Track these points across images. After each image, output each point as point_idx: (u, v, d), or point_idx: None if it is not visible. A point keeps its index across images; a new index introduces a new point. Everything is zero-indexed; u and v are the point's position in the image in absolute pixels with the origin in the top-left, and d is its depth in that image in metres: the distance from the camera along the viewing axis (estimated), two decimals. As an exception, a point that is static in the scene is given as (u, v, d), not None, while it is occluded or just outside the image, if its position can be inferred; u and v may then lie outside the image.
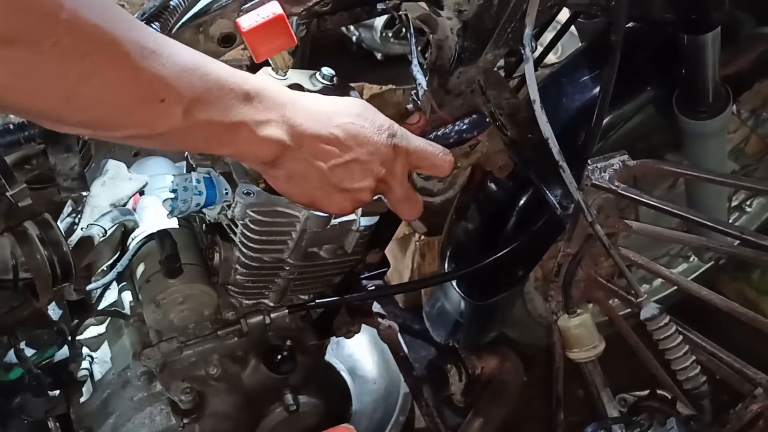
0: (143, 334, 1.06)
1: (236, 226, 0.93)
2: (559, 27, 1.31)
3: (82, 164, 0.84)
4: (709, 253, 1.51)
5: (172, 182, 0.88)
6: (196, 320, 1.04)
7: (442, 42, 0.91)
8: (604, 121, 0.92)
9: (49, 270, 0.79)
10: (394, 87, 1.84)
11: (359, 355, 1.58)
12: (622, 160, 0.92)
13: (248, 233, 0.92)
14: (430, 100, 0.94)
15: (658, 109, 1.12)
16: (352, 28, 2.44)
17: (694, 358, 0.91)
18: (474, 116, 0.85)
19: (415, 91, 0.96)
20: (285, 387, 1.11)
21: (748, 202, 1.66)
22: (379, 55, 2.46)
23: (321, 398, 1.16)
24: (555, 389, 1.17)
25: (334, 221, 0.93)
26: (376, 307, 1.31)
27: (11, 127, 0.79)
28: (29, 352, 0.98)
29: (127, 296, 1.10)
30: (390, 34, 2.37)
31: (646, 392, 1.04)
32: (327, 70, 0.93)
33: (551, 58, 1.45)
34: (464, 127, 0.82)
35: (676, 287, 1.52)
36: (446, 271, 1.36)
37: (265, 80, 0.67)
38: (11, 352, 0.95)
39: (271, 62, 0.85)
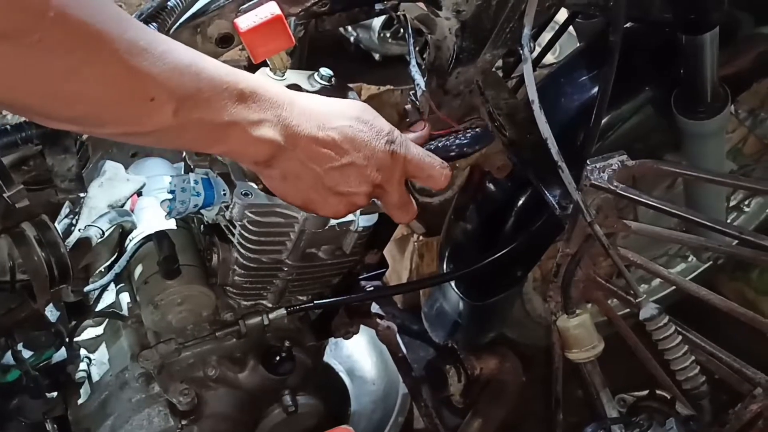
0: (141, 335, 1.06)
1: (234, 227, 0.93)
2: (557, 27, 1.31)
3: (80, 165, 0.84)
4: (707, 252, 1.51)
5: (170, 183, 0.88)
6: (195, 321, 1.04)
7: (440, 42, 0.91)
8: (603, 122, 0.92)
9: (46, 271, 0.79)
10: (392, 88, 1.84)
11: (358, 355, 1.58)
12: (620, 160, 0.92)
13: (246, 234, 0.92)
14: (428, 101, 0.94)
15: (656, 109, 1.12)
16: (350, 28, 2.44)
17: (693, 358, 0.91)
18: (477, 129, 0.84)
19: (413, 91, 0.95)
20: (283, 388, 1.11)
21: (746, 202, 1.66)
22: (377, 56, 2.45)
23: (320, 399, 1.16)
24: (554, 389, 1.17)
25: (332, 222, 0.93)
26: (375, 308, 1.31)
27: (8, 128, 0.79)
28: (27, 353, 0.98)
29: (125, 297, 1.10)
30: (388, 35, 2.37)
31: (646, 392, 1.04)
32: (325, 71, 0.93)
33: (549, 58, 1.45)
34: (466, 141, 0.81)
35: (674, 287, 1.52)
36: (445, 271, 1.36)
37: (261, 80, 0.67)
38: (9, 353, 0.95)
39: (269, 63, 0.85)
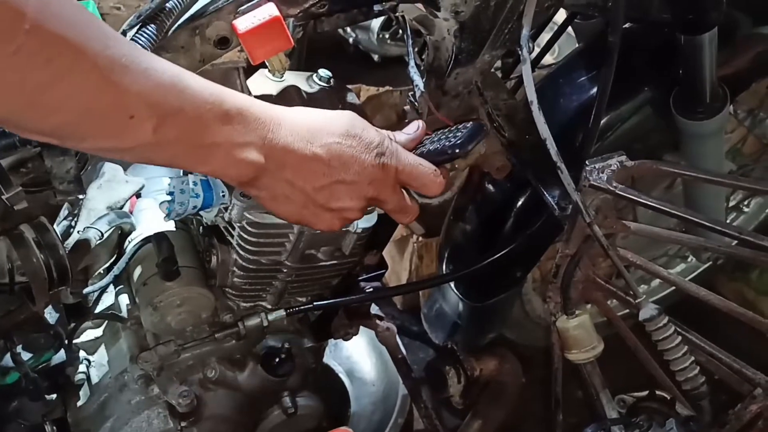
0: (140, 337, 1.05)
1: (233, 228, 0.93)
2: (556, 28, 1.31)
3: (79, 167, 0.84)
4: (707, 253, 1.51)
5: (169, 185, 0.88)
6: (194, 323, 1.04)
7: (439, 43, 0.91)
8: (602, 122, 0.92)
9: (45, 273, 0.79)
10: (391, 89, 1.84)
11: (357, 357, 1.58)
12: (619, 160, 0.92)
13: (245, 236, 0.92)
14: (427, 102, 0.94)
15: (655, 109, 1.12)
16: (349, 29, 2.44)
17: (693, 358, 0.91)
18: (469, 125, 0.83)
19: (412, 92, 0.95)
20: (283, 389, 1.11)
21: (745, 202, 1.66)
22: (376, 57, 2.45)
23: (319, 400, 1.16)
24: (554, 390, 1.17)
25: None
26: (374, 309, 1.31)
27: (6, 130, 0.79)
28: (26, 355, 0.98)
29: (124, 299, 1.10)
30: (387, 36, 2.37)
31: (645, 393, 1.04)
32: (324, 72, 0.93)
33: (548, 59, 1.45)
34: (458, 140, 0.79)
35: (674, 288, 1.52)
36: (444, 272, 1.36)
37: (248, 99, 0.66)
38: (8, 355, 0.94)
39: (267, 64, 0.85)
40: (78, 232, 1.05)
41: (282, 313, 1.03)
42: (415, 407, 1.38)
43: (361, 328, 1.22)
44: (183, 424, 1.02)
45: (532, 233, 1.13)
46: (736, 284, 1.75)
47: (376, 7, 0.94)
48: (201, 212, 0.92)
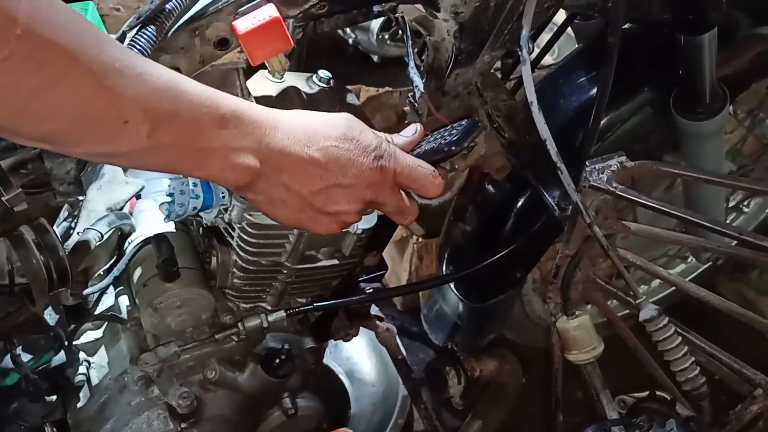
0: (140, 338, 1.05)
1: (233, 229, 0.93)
2: (555, 28, 1.31)
3: (78, 168, 0.84)
4: (707, 253, 1.51)
5: (169, 186, 0.88)
6: (194, 324, 1.04)
7: (438, 44, 0.91)
8: (602, 123, 0.92)
9: (45, 275, 0.79)
10: (390, 89, 1.84)
11: (357, 358, 1.58)
12: (619, 161, 0.92)
13: (245, 237, 0.92)
14: (427, 102, 0.94)
15: (655, 110, 1.12)
16: (348, 30, 2.44)
17: (693, 359, 0.91)
18: (463, 124, 0.83)
19: (412, 93, 0.95)
20: (283, 390, 1.11)
21: (745, 203, 1.66)
22: (375, 58, 2.46)
23: (319, 401, 1.16)
24: (554, 391, 1.17)
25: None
26: (374, 310, 1.31)
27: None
28: (26, 357, 0.98)
29: (124, 300, 1.10)
30: (387, 37, 2.37)
31: (646, 393, 1.04)
32: (324, 73, 0.93)
33: (548, 59, 1.45)
34: (454, 138, 0.79)
35: (674, 288, 1.52)
36: (444, 273, 1.36)
37: (244, 103, 0.65)
38: (8, 357, 0.94)
39: (267, 65, 0.85)
40: (78, 233, 1.05)
41: (282, 314, 1.03)
42: (415, 408, 1.38)
43: (361, 329, 1.22)
44: (183, 425, 1.02)
45: (532, 234, 1.13)
46: (736, 284, 1.75)
47: (376, 8, 0.94)
48: (201, 213, 0.92)
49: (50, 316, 1.02)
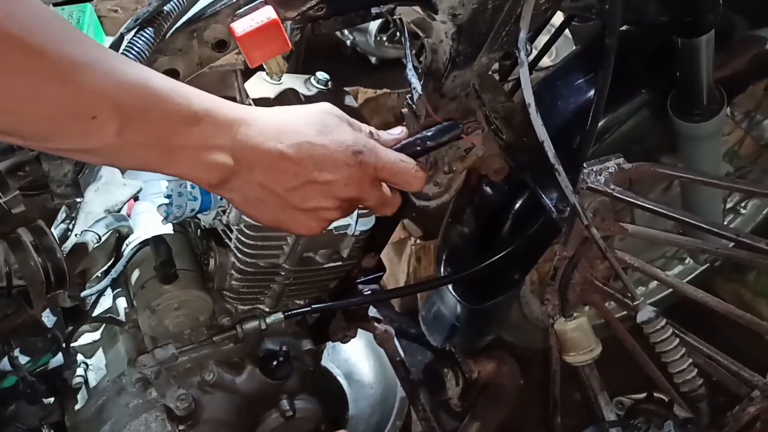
0: (138, 340, 1.05)
1: (231, 231, 0.93)
2: (553, 30, 1.32)
3: (76, 170, 0.84)
4: (704, 255, 1.51)
5: (167, 188, 0.88)
6: (192, 326, 1.04)
7: (436, 46, 0.91)
8: (599, 124, 0.92)
9: (42, 277, 0.79)
10: (388, 91, 1.84)
11: (355, 359, 1.58)
12: (617, 163, 0.92)
13: (243, 238, 0.92)
14: (425, 104, 0.94)
15: (652, 112, 1.12)
16: (346, 32, 2.44)
17: (690, 360, 0.91)
18: (444, 125, 0.83)
19: (410, 95, 0.95)
20: (281, 392, 1.11)
21: (742, 204, 1.66)
22: (373, 59, 2.46)
23: (317, 403, 1.16)
24: (552, 392, 1.17)
25: (330, 226, 0.92)
26: (372, 312, 1.31)
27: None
28: (23, 359, 0.98)
29: (122, 302, 1.09)
30: (384, 38, 2.37)
31: (643, 395, 1.04)
32: (322, 75, 0.93)
33: (546, 61, 1.45)
34: (429, 133, 0.79)
35: (672, 289, 1.52)
36: (442, 275, 1.36)
37: (217, 100, 0.64)
38: (5, 359, 0.94)
39: (265, 67, 0.85)
40: (75, 235, 1.05)
41: (280, 315, 1.03)
42: (413, 410, 1.37)
43: (359, 330, 1.22)
44: (181, 427, 1.02)
45: (530, 235, 1.13)
46: (734, 286, 1.75)
47: (374, 10, 0.94)
48: (199, 215, 0.92)
49: (48, 318, 1.02)
